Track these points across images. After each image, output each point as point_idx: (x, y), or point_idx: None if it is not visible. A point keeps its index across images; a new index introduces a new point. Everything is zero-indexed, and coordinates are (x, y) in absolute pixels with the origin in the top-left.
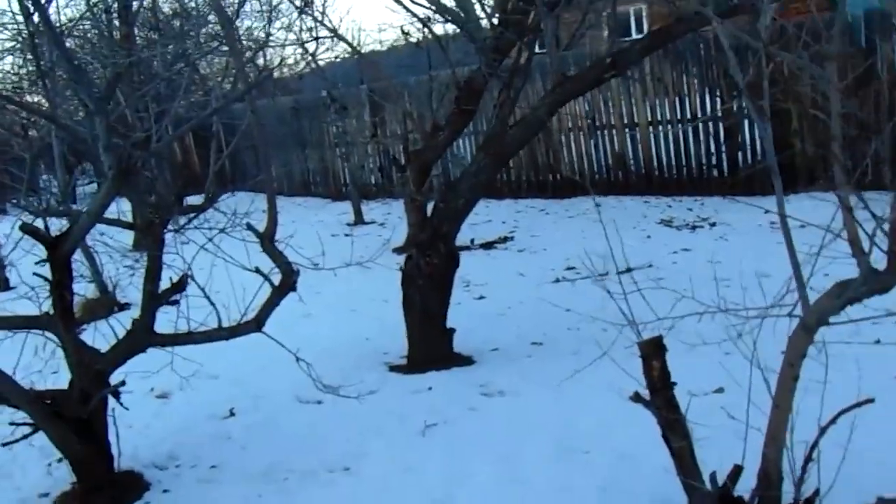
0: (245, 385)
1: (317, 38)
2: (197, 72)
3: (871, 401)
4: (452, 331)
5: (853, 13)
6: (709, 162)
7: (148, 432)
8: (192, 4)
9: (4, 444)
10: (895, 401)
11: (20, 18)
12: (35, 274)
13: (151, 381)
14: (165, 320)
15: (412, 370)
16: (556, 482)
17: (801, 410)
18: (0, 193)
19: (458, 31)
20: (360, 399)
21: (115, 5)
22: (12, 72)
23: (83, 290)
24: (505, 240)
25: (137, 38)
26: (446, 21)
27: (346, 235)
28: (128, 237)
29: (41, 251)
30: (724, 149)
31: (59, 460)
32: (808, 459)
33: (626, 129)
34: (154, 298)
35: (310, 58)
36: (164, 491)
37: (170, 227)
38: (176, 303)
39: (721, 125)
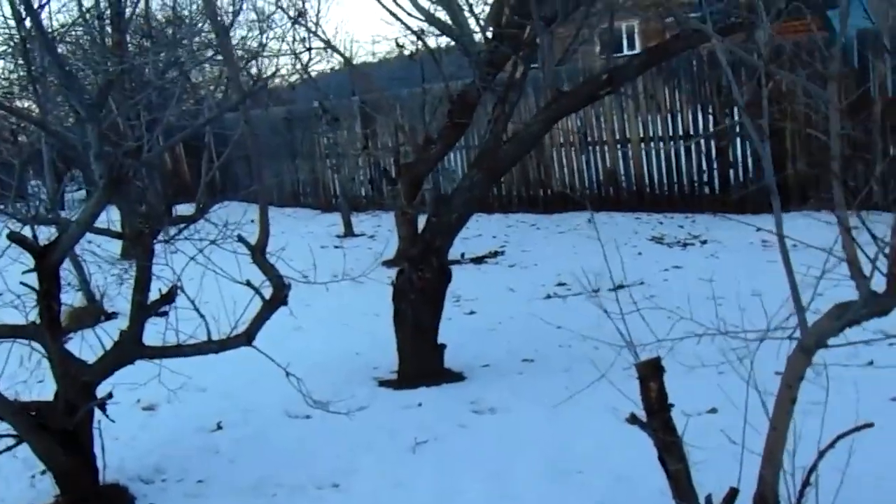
0: (234, 398)
1: (310, 49)
2: (188, 80)
3: (870, 425)
4: (444, 346)
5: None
6: (700, 179)
7: (134, 444)
8: (186, 12)
9: None
10: (892, 423)
11: (12, 23)
12: (22, 283)
13: (138, 393)
14: (154, 332)
15: (402, 385)
16: (549, 501)
17: (797, 433)
18: None
19: (452, 44)
20: (350, 414)
21: (108, 12)
22: (2, 77)
23: (70, 298)
24: (495, 254)
25: (130, 45)
26: (442, 34)
27: (336, 247)
28: (116, 246)
29: (29, 259)
30: (715, 166)
31: (43, 472)
32: (805, 483)
33: (618, 145)
34: (143, 309)
35: (302, 68)
36: None
37: (160, 237)
38: (165, 314)
39: (713, 142)
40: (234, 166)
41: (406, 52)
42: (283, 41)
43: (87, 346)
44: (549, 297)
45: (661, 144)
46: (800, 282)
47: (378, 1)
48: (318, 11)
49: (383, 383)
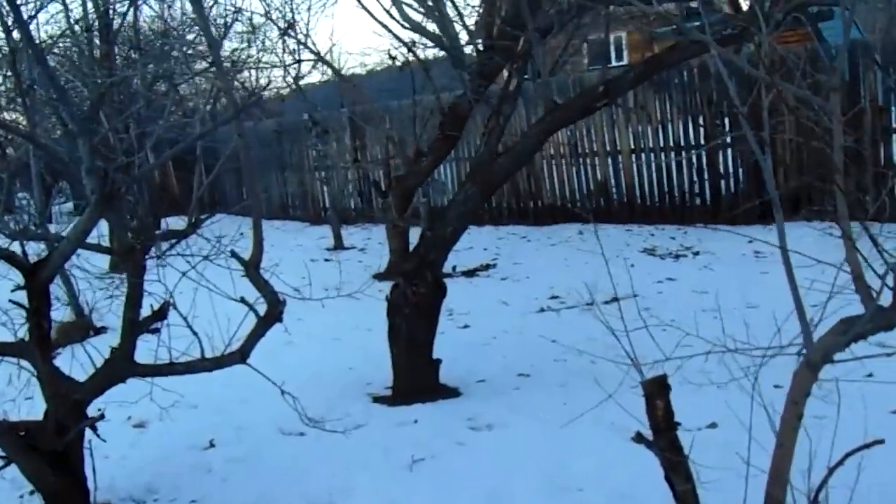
0: (226, 415)
1: (299, 61)
2: (177, 92)
3: (881, 441)
4: (439, 361)
5: (837, 44)
6: (691, 190)
7: (125, 463)
8: (176, 23)
9: None
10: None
11: (0, 35)
12: (11, 301)
13: (129, 410)
14: (146, 349)
15: (397, 401)
16: None
17: (812, 451)
18: None
19: (442, 54)
20: (346, 433)
21: (97, 23)
22: None
23: (59, 314)
24: (487, 267)
25: (118, 56)
26: (434, 45)
27: (327, 261)
28: (104, 260)
29: (18, 276)
30: (706, 177)
31: (32, 493)
32: (814, 502)
33: (609, 157)
34: (134, 326)
35: (291, 80)
36: None
37: (151, 252)
38: (157, 331)
39: (703, 154)
40: (222, 179)
41: (397, 64)
42: (271, 53)
43: (76, 362)
44: (542, 310)
45: (653, 156)
46: (803, 295)
47: (368, 12)
48: (308, 23)
49: (378, 399)
